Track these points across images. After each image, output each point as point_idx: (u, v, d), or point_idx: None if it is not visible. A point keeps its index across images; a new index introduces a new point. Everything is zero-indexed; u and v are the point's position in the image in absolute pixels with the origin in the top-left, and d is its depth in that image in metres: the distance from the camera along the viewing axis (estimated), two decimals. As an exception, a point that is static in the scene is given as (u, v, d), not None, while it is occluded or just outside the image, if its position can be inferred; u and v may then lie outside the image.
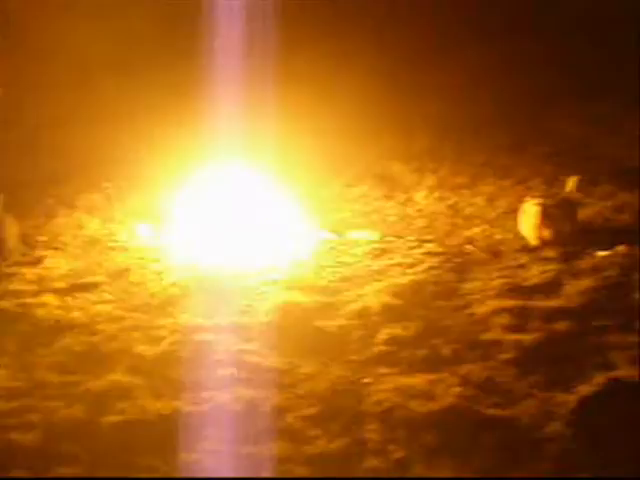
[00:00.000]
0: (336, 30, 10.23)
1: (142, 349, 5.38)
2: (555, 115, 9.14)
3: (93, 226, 7.44)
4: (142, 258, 6.75)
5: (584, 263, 6.23)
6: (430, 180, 8.23)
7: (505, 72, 9.70)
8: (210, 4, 8.90)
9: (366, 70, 9.77)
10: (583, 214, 6.87)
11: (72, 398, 4.88)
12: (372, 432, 4.47)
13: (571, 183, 7.01)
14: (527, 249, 6.58)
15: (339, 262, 6.59)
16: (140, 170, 8.28)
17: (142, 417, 4.67)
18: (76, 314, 5.87)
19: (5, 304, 6.03)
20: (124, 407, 4.76)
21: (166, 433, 4.52)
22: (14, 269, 6.63)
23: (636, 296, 5.69)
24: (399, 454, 4.27)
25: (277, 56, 8.82)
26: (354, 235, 7.04)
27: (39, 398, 4.91)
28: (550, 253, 6.44)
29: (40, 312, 5.89)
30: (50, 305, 5.98)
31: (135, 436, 4.52)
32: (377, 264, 6.52)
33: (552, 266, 6.22)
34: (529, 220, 6.66)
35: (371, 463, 4.24)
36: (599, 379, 4.63)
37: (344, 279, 6.30)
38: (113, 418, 4.67)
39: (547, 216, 6.57)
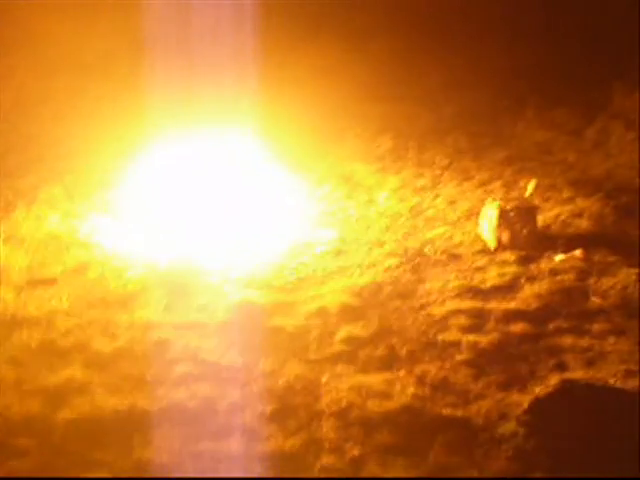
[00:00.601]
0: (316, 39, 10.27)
1: (99, 345, 5.37)
2: (516, 120, 9.24)
3: (52, 220, 7.38)
4: (101, 253, 6.72)
5: (541, 266, 6.32)
6: (392, 182, 8.28)
7: (468, 78, 9.79)
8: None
9: (332, 72, 9.83)
10: (542, 218, 6.95)
11: (27, 393, 4.86)
12: (328, 430, 4.52)
13: (530, 187, 7.10)
14: (485, 252, 6.65)
15: (299, 261, 6.61)
16: (99, 162, 8.23)
17: (97, 413, 4.67)
18: (33, 309, 5.84)
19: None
20: (79, 403, 4.76)
21: (121, 430, 4.53)
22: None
23: (591, 300, 5.78)
24: (354, 452, 4.33)
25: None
26: (315, 235, 7.07)
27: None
28: (508, 256, 6.51)
29: (-3, 304, 5.85)
30: (6, 300, 5.94)
31: (90, 432, 4.52)
32: (336, 264, 6.55)
33: (510, 269, 6.31)
34: (488, 223, 6.73)
35: (327, 460, 4.29)
36: (553, 380, 4.72)
37: (303, 278, 6.33)
38: (68, 414, 4.67)
39: (505, 219, 6.65)
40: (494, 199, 7.04)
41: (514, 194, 7.36)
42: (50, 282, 6.27)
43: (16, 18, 10.13)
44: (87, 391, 4.86)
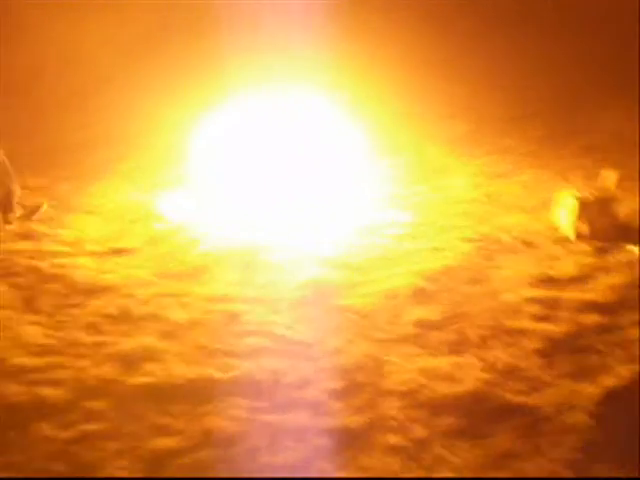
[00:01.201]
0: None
1: (173, 315, 5.53)
2: (599, 109, 9.11)
3: (129, 194, 7.60)
4: (176, 226, 6.90)
5: (618, 258, 6.25)
6: (469, 167, 8.27)
7: (551, 65, 9.69)
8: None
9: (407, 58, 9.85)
10: (621, 210, 6.85)
11: (102, 358, 5.04)
12: (394, 410, 4.56)
13: (609, 178, 7.00)
14: (562, 241, 6.60)
15: (371, 242, 6.67)
16: (171, 135, 8.40)
17: (170, 380, 4.82)
18: (110, 277, 6.03)
19: (42, 264, 6.22)
20: (153, 369, 4.91)
21: (192, 397, 4.67)
22: (49, 229, 6.82)
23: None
24: (419, 433, 4.37)
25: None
26: (388, 216, 7.11)
27: (70, 356, 5.08)
28: (585, 247, 6.46)
29: (76, 273, 6.06)
30: (86, 267, 6.15)
31: (162, 398, 4.67)
32: (409, 246, 6.59)
33: (586, 260, 6.26)
34: (566, 212, 6.68)
35: (391, 439, 4.34)
36: (624, 373, 4.68)
37: (375, 259, 6.38)
38: (141, 379, 4.83)
39: (584, 210, 6.59)
40: (573, 188, 6.97)
41: (593, 184, 7.28)
42: (127, 252, 6.48)
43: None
44: (160, 359, 5.01)
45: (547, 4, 10.53)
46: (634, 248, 6.34)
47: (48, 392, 4.72)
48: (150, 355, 5.05)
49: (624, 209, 6.89)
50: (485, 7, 10.33)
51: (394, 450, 4.27)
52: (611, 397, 4.49)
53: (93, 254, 6.41)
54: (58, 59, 10.60)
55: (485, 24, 10.43)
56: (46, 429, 4.43)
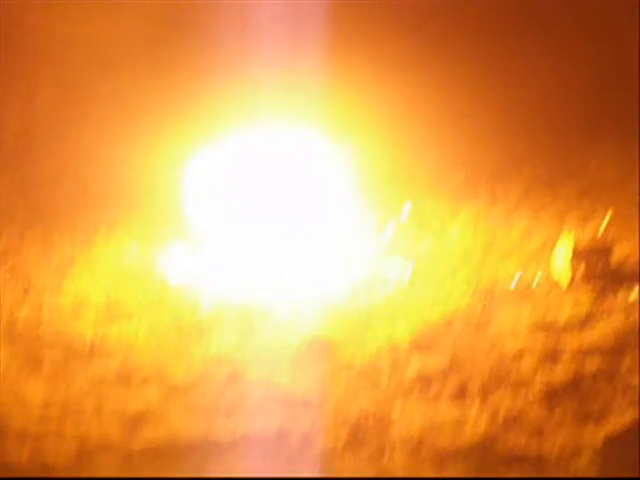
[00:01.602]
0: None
1: (175, 376, 5.57)
2: (593, 152, 9.23)
3: (127, 254, 7.67)
4: (178, 287, 6.96)
5: (617, 302, 6.30)
6: (465, 213, 8.36)
7: (541, 109, 9.82)
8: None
9: (401, 108, 9.98)
10: (617, 253, 6.93)
11: (105, 420, 5.09)
12: (400, 461, 4.59)
13: (605, 222, 7.10)
14: (560, 286, 6.66)
15: (370, 294, 6.72)
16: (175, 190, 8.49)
17: (173, 439, 4.86)
18: (110, 340, 6.08)
19: (41, 330, 6.27)
20: (156, 429, 4.96)
21: (196, 454, 4.71)
22: (50, 295, 6.89)
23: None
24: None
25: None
26: (387, 267, 7.18)
27: (72, 419, 5.13)
28: (582, 291, 6.51)
29: (76, 337, 6.12)
30: (86, 332, 6.20)
31: (166, 455, 4.72)
32: (408, 296, 6.65)
33: (584, 304, 6.31)
34: (563, 257, 6.75)
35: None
36: (628, 417, 4.72)
37: (375, 310, 6.43)
38: (145, 438, 4.87)
39: (580, 254, 6.66)
40: (569, 232, 7.06)
41: (589, 227, 7.37)
42: (127, 315, 6.49)
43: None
44: (163, 419, 5.05)
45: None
46: (632, 291, 6.41)
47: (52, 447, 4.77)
48: (152, 415, 5.09)
49: (620, 252, 6.98)
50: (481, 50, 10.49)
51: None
52: (613, 441, 4.52)
53: (92, 319, 6.45)
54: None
55: (480, 70, 10.58)
56: None
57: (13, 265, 7.57)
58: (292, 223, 7.60)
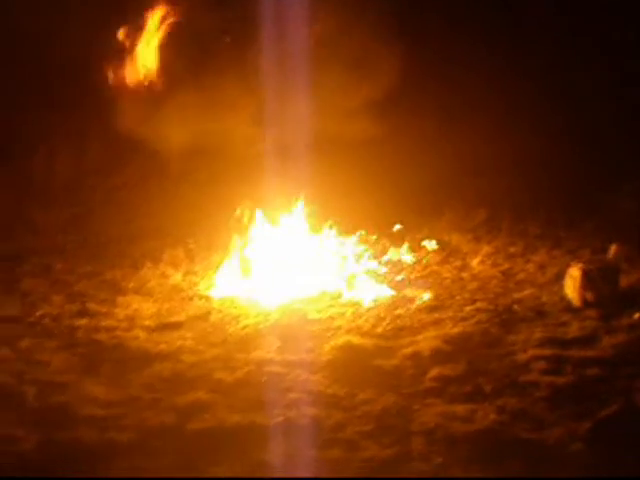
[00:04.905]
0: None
1: (220, 376, 6.54)
2: (610, 193, 10.22)
3: (176, 277, 8.75)
4: (220, 304, 8.00)
5: (621, 322, 7.23)
6: (486, 249, 9.36)
7: (562, 155, 10.85)
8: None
9: (427, 149, 11.06)
10: (625, 280, 7.87)
11: (161, 409, 6.05)
12: (418, 444, 5.53)
13: (613, 250, 8.06)
14: (570, 309, 7.61)
15: (396, 314, 7.71)
16: (215, 228, 9.59)
17: (221, 426, 5.81)
18: (162, 347, 7.08)
19: (101, 337, 7.30)
20: (206, 418, 5.91)
21: (242, 438, 5.65)
22: (106, 309, 7.93)
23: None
24: (439, 460, 5.32)
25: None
26: (412, 292, 8.17)
27: (132, 408, 6.09)
28: (591, 313, 7.46)
29: (132, 344, 7.13)
30: (140, 338, 7.22)
31: (215, 439, 5.66)
32: (430, 317, 7.63)
33: (591, 323, 7.25)
34: (573, 283, 7.70)
35: (416, 467, 5.29)
36: (616, 405, 5.64)
37: (399, 328, 7.42)
38: (196, 425, 5.82)
39: (589, 279, 7.60)
40: (579, 261, 8.01)
41: (599, 258, 8.33)
42: (176, 326, 7.55)
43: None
44: (212, 409, 6.01)
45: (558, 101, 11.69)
46: (637, 313, 7.33)
47: (115, 435, 5.72)
48: (202, 407, 6.05)
49: (628, 279, 7.92)
50: (499, 101, 11.54)
51: (419, 473, 5.22)
52: (603, 425, 5.45)
53: (145, 328, 7.48)
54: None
55: (500, 116, 11.62)
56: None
57: (68, 284, 8.68)
58: (326, 248, 8.76)
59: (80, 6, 10.18)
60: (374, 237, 9.43)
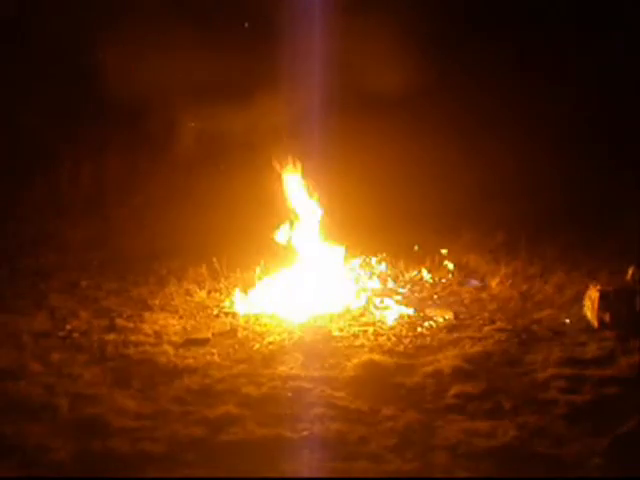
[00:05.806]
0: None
1: (248, 390, 6.79)
2: (629, 213, 10.45)
3: (201, 294, 9.02)
4: (245, 321, 8.26)
5: (638, 343, 7.44)
6: (504, 270, 9.60)
7: (580, 174, 11.11)
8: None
9: (448, 173, 11.37)
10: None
11: (191, 422, 6.30)
12: (441, 458, 5.75)
13: (631, 272, 8.28)
14: (588, 330, 7.84)
15: (417, 333, 7.95)
16: (238, 247, 9.88)
17: (249, 438, 6.05)
18: (190, 362, 7.34)
19: (129, 351, 7.56)
20: (234, 430, 6.15)
21: (269, 451, 5.89)
22: (134, 324, 8.20)
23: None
24: (461, 475, 5.55)
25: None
26: (433, 312, 8.41)
27: (163, 421, 6.34)
28: (608, 334, 7.69)
29: (160, 359, 7.39)
30: (168, 353, 7.48)
31: (243, 451, 5.90)
32: (450, 336, 7.87)
33: (608, 344, 7.48)
34: (591, 304, 7.93)
35: (439, 479, 5.53)
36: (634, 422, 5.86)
37: (420, 346, 7.66)
38: (225, 437, 6.06)
39: (606, 301, 7.83)
40: (597, 283, 8.24)
41: (617, 280, 8.55)
42: (203, 342, 7.80)
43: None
44: (241, 423, 6.25)
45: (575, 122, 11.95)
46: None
47: (147, 446, 5.97)
48: (231, 420, 6.29)
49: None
50: (516, 124, 11.82)
51: (440, 486, 5.46)
52: (621, 441, 5.67)
53: (173, 343, 7.74)
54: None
55: (518, 139, 11.89)
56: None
57: (96, 300, 8.96)
58: (349, 270, 9.04)
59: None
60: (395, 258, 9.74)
